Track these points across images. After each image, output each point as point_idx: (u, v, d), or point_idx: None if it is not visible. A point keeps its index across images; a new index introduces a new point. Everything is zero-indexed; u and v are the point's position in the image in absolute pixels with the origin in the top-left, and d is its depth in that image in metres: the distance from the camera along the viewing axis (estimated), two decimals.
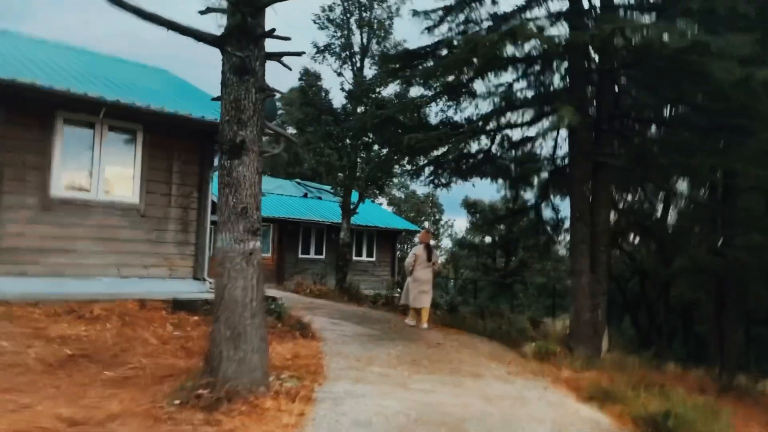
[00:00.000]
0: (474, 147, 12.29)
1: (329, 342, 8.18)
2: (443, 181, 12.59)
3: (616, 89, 10.42)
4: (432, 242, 11.83)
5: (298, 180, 27.41)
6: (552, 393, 6.36)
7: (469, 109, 11.41)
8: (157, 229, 9.60)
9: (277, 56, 5.08)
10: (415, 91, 12.27)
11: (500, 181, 14.15)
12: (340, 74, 19.65)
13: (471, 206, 31.12)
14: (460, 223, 76.36)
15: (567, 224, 13.56)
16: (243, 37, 4.70)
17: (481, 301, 27.85)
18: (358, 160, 19.32)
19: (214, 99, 5.15)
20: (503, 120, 11.56)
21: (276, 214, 20.98)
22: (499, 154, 12.25)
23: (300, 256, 21.73)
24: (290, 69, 5.41)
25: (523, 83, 11.72)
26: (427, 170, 12.91)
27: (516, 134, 11.91)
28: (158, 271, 9.61)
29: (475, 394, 5.92)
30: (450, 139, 10.49)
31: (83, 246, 8.74)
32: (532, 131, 11.63)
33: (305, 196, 24.50)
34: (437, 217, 46.53)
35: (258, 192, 4.78)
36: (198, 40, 4.77)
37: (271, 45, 5.55)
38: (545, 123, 11.31)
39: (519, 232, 21.35)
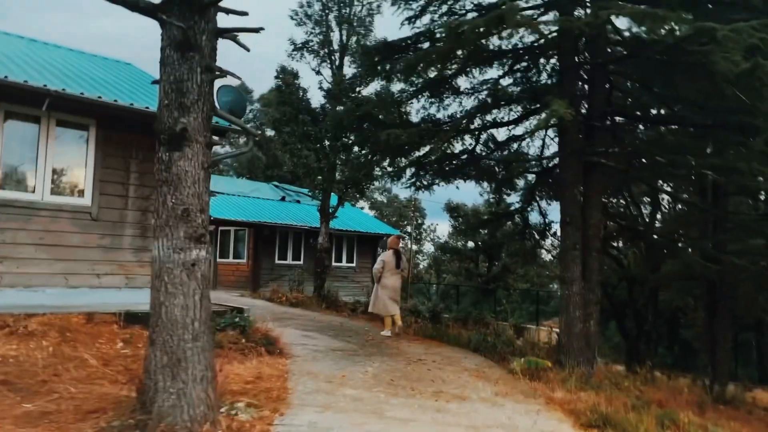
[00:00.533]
0: (457, 147, 11.63)
1: (299, 359, 7.41)
2: (425, 182, 11.88)
3: (608, 86, 9.79)
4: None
5: (275, 183, 26.54)
6: (546, 419, 5.65)
7: (453, 107, 10.73)
8: (112, 234, 8.76)
9: (229, 32, 4.33)
10: (397, 88, 11.53)
11: (485, 183, 13.53)
12: (318, 72, 18.91)
13: (453, 210, 30.52)
14: (442, 227, 75.88)
15: (554, 229, 12.97)
16: (185, 5, 3.93)
17: (464, 307, 27.22)
18: (338, 162, 18.58)
19: (153, 82, 4.37)
20: (488, 118, 10.91)
21: (252, 218, 20.13)
22: (483, 154, 11.57)
23: (277, 261, 20.88)
24: (248, 49, 4.66)
25: (508, 80, 11.11)
26: (409, 172, 12.19)
27: (502, 134, 11.27)
28: (112, 280, 8.76)
29: (460, 423, 5.19)
30: (432, 138, 9.79)
31: (26, 252, 7.87)
32: (518, 130, 11.01)
33: (283, 199, 23.66)
34: (420, 221, 45.91)
35: (203, 191, 4.01)
36: (131, 9, 4.00)
37: (229, 23, 4.79)
38: (533, 121, 10.69)
39: (503, 237, 20.77)
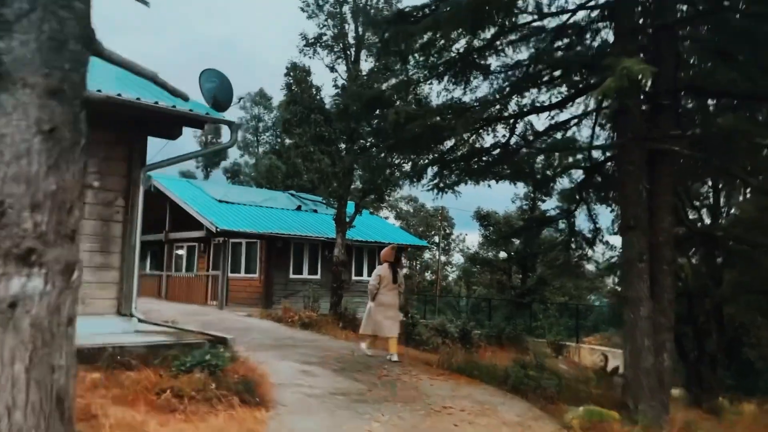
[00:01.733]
0: (488, 141, 9.79)
1: (283, 411, 5.62)
2: (449, 182, 10.04)
3: (676, 56, 7.85)
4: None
5: (292, 192, 24.94)
6: None
7: (482, 88, 8.87)
8: None
9: None
10: (414, 70, 9.72)
11: (520, 184, 11.63)
12: (333, 69, 17.29)
13: (484, 218, 28.51)
14: (472, 237, 73.47)
15: (606, 236, 10.98)
16: None
17: (497, 322, 25.19)
18: (355, 166, 16.91)
19: None
20: (526, 101, 9.05)
21: (263, 229, 18.53)
22: (520, 147, 9.70)
23: (291, 276, 19.20)
24: None
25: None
26: (430, 171, 10.38)
27: (542, 123, 9.39)
28: None
29: None
30: (456, 120, 8.00)
31: None
32: (562, 116, 9.11)
33: (299, 208, 22.03)
34: (448, 231, 43.92)
35: (43, 172, 2.27)
36: None
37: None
38: (581, 105, 8.80)
39: (540, 246, 18.74)
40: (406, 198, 46.97)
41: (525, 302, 26.85)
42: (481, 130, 9.54)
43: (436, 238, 39.98)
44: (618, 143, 7.55)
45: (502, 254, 30.03)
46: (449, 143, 9.66)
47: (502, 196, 29.84)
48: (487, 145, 9.86)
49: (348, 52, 17.33)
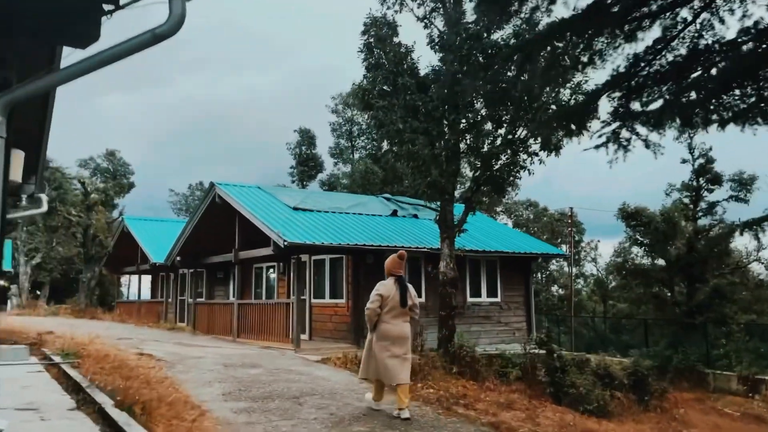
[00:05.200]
0: (732, 23, 4.86)
1: None
2: (649, 123, 5.18)
3: None
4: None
5: (386, 195, 20.57)
6: None
7: None
8: None
9: None
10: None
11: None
12: (428, 23, 12.84)
13: (631, 217, 22.53)
14: (605, 247, 64.74)
15: None
16: None
17: (659, 349, 19.26)
18: (462, 146, 12.27)
19: None
20: None
21: (349, 240, 14.26)
22: None
23: None
24: None
25: None
26: (608, 107, 5.60)
27: None
28: None
29: None
30: None
31: None
32: None
33: (394, 214, 17.61)
34: (577, 238, 37.68)
35: None
36: None
37: None
38: None
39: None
40: (525, 203, 41.47)
41: (696, 323, 20.56)
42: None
43: (564, 247, 34.06)
44: None
45: (656, 261, 23.85)
46: (647, 35, 4.81)
47: (653, 185, 23.84)
48: (728, 37, 4.90)
49: (446, 1, 12.84)
